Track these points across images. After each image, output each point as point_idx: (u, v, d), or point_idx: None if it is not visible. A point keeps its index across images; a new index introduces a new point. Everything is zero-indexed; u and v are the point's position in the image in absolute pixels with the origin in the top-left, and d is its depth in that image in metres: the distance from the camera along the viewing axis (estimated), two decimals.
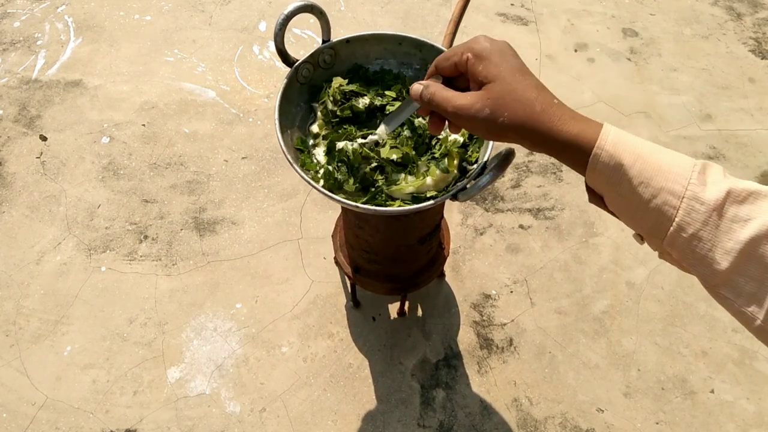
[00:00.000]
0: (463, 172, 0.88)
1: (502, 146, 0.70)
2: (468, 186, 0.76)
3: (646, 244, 0.50)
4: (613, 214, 0.50)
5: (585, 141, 0.46)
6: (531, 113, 0.48)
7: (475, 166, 0.82)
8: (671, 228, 0.44)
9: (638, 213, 0.46)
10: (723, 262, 0.43)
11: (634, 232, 0.50)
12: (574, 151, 0.47)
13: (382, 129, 0.79)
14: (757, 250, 0.41)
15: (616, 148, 0.45)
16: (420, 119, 0.90)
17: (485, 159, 0.81)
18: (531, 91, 0.49)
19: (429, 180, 0.85)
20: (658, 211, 0.44)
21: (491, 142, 0.83)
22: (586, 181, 0.49)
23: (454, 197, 0.77)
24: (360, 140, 0.88)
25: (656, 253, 0.51)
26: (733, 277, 0.43)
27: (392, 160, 0.87)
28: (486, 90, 0.50)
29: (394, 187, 0.86)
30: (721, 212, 0.42)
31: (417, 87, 0.56)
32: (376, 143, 0.88)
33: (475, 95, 0.51)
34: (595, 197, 0.50)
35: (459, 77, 0.55)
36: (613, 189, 0.46)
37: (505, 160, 0.71)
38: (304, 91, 0.95)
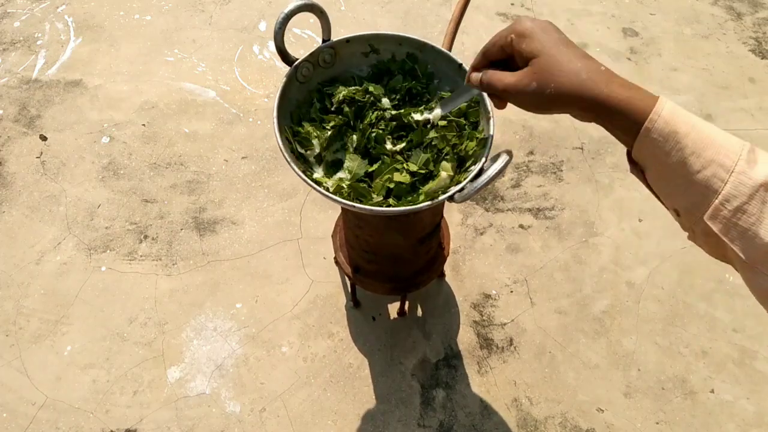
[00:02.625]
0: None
1: (502, 147, 0.70)
2: (465, 187, 0.76)
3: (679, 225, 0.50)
4: (650, 189, 0.50)
5: (636, 108, 0.46)
6: (577, 82, 0.49)
7: (473, 168, 0.82)
8: (716, 200, 0.44)
9: (684, 184, 0.46)
10: (767, 237, 0.42)
11: (668, 208, 0.50)
12: (624, 117, 0.47)
13: (437, 112, 0.86)
14: None
15: (673, 116, 0.45)
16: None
17: (483, 161, 0.81)
18: (575, 60, 0.50)
19: (444, 174, 0.85)
20: (706, 183, 0.44)
21: (490, 144, 0.83)
22: (630, 152, 0.49)
23: (451, 198, 0.77)
24: (418, 116, 0.90)
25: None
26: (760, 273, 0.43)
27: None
28: (531, 65, 0.52)
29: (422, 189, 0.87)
30: (765, 191, 0.42)
31: (476, 75, 0.59)
32: (426, 123, 0.90)
33: (521, 72, 0.53)
34: (637, 169, 0.50)
35: (510, 59, 0.57)
36: (661, 158, 0.46)
37: (502, 162, 0.71)
38: (304, 90, 0.95)
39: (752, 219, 0.43)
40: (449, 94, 0.94)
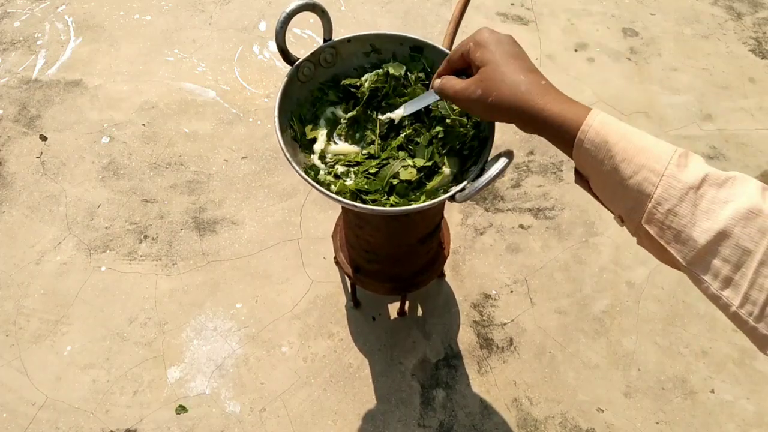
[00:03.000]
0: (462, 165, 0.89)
1: (502, 147, 0.71)
2: (466, 187, 0.76)
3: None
4: (596, 198, 0.53)
5: (569, 120, 0.49)
6: (516, 93, 0.52)
7: (474, 167, 0.82)
8: (649, 204, 0.45)
9: (619, 191, 0.47)
10: (700, 239, 0.43)
11: (614, 215, 0.52)
12: (560, 130, 0.49)
13: (400, 111, 0.87)
14: (734, 231, 0.42)
15: (603, 126, 0.47)
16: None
17: (484, 160, 0.81)
18: (519, 73, 0.53)
19: (446, 170, 0.86)
20: (639, 188, 0.46)
21: (491, 145, 0.83)
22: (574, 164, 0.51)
23: (452, 198, 0.77)
24: (380, 116, 0.92)
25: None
26: (709, 258, 0.43)
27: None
28: (479, 73, 0.55)
29: (422, 190, 0.87)
30: (698, 192, 0.44)
31: (435, 81, 0.64)
32: (391, 122, 0.91)
33: (470, 80, 0.57)
34: (582, 180, 0.53)
35: (469, 68, 0.60)
36: (597, 167, 0.48)
37: (504, 162, 0.71)
38: (305, 90, 0.95)
39: (684, 221, 0.44)
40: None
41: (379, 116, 0.92)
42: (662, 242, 0.46)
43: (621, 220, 0.51)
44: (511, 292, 1.60)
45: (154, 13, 2.26)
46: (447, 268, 1.63)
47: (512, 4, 2.32)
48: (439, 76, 0.64)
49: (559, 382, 1.47)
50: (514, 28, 2.24)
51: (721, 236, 0.42)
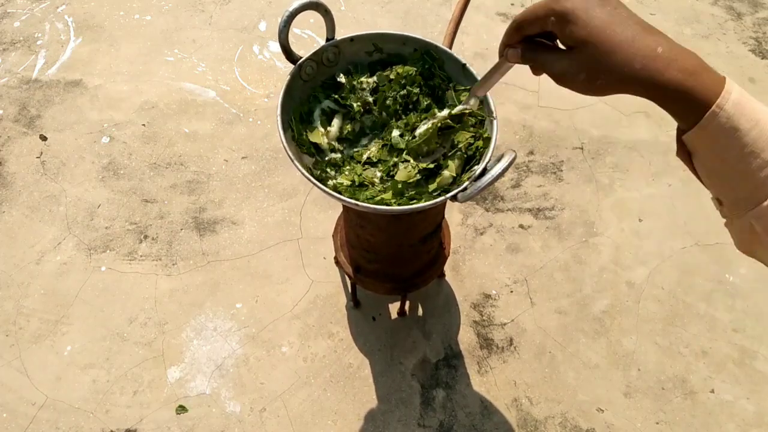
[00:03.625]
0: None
1: (502, 147, 0.70)
2: (468, 187, 0.76)
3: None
4: (694, 173, 0.48)
5: (696, 98, 0.43)
6: (629, 73, 0.44)
7: (477, 167, 0.82)
8: (766, 202, 0.42)
9: (734, 180, 0.43)
10: None
11: (712, 195, 0.47)
12: (682, 107, 0.44)
13: (473, 102, 0.83)
14: None
15: (736, 110, 0.42)
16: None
17: (487, 160, 0.81)
18: (626, 47, 0.44)
19: (446, 173, 0.85)
20: (760, 184, 0.42)
21: (493, 145, 0.83)
22: (680, 135, 0.46)
23: (454, 198, 0.77)
24: (451, 111, 0.87)
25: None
26: None
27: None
28: (578, 54, 0.46)
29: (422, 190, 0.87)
30: None
31: (514, 51, 0.53)
32: (462, 115, 0.86)
33: (570, 59, 0.47)
34: (684, 152, 0.47)
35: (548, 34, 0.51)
36: (716, 152, 0.43)
37: (506, 162, 0.71)
38: (307, 89, 0.95)
39: None
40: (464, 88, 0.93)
41: (442, 113, 0.88)
42: (766, 239, 0.43)
43: (719, 203, 0.47)
44: (511, 292, 1.60)
45: (154, 13, 2.26)
46: (447, 268, 1.63)
47: (512, 4, 2.32)
48: (510, 45, 0.53)
49: (559, 382, 1.47)
50: None
51: None
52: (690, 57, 0.44)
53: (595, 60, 0.45)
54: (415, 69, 0.94)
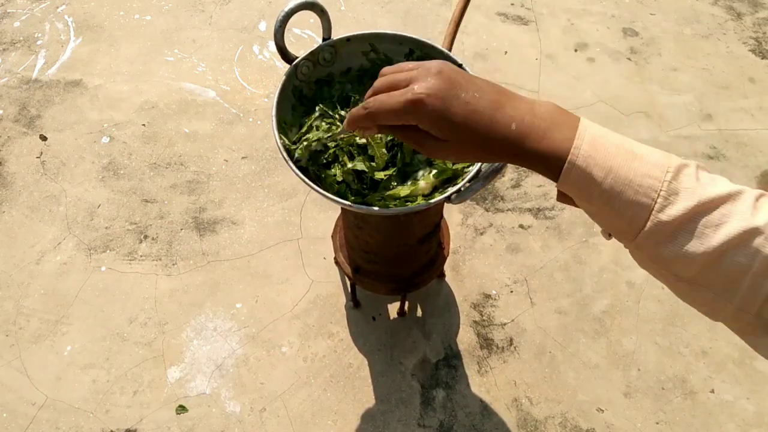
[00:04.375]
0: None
1: None
2: (462, 188, 0.76)
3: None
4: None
5: (552, 156, 0.46)
6: (492, 153, 0.49)
7: (471, 169, 0.82)
8: (639, 235, 0.45)
9: (609, 218, 0.47)
10: (688, 270, 0.45)
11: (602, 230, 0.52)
12: (541, 167, 0.48)
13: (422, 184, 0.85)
14: (724, 258, 0.43)
15: (588, 161, 0.45)
16: None
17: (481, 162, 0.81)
18: (485, 135, 0.48)
19: (423, 183, 0.85)
20: (629, 221, 0.45)
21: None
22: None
23: (448, 199, 0.78)
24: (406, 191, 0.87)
25: None
26: (698, 286, 0.46)
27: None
28: (441, 146, 0.50)
29: (387, 193, 0.86)
30: (688, 223, 0.44)
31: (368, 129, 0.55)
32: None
33: (436, 147, 0.50)
34: (564, 197, 0.51)
35: None
36: (583, 198, 0.47)
37: (499, 164, 0.71)
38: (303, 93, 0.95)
39: (673, 252, 0.45)
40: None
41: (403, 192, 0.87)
42: (654, 266, 0.48)
43: (609, 235, 0.52)
44: (511, 292, 1.60)
45: (154, 13, 2.26)
46: (447, 268, 1.63)
47: (512, 4, 2.32)
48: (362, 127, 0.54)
49: (559, 382, 1.47)
50: (513, 28, 2.24)
51: (714, 259, 0.43)
52: (542, 120, 0.47)
53: (461, 149, 0.49)
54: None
